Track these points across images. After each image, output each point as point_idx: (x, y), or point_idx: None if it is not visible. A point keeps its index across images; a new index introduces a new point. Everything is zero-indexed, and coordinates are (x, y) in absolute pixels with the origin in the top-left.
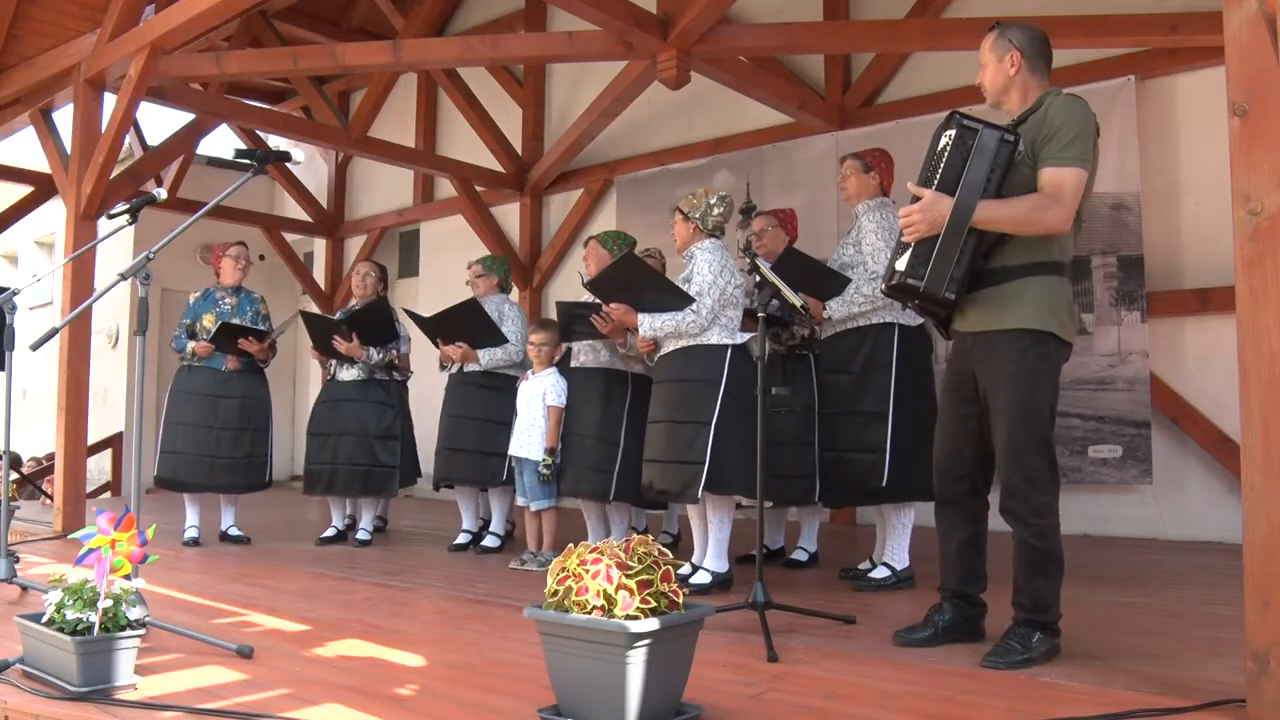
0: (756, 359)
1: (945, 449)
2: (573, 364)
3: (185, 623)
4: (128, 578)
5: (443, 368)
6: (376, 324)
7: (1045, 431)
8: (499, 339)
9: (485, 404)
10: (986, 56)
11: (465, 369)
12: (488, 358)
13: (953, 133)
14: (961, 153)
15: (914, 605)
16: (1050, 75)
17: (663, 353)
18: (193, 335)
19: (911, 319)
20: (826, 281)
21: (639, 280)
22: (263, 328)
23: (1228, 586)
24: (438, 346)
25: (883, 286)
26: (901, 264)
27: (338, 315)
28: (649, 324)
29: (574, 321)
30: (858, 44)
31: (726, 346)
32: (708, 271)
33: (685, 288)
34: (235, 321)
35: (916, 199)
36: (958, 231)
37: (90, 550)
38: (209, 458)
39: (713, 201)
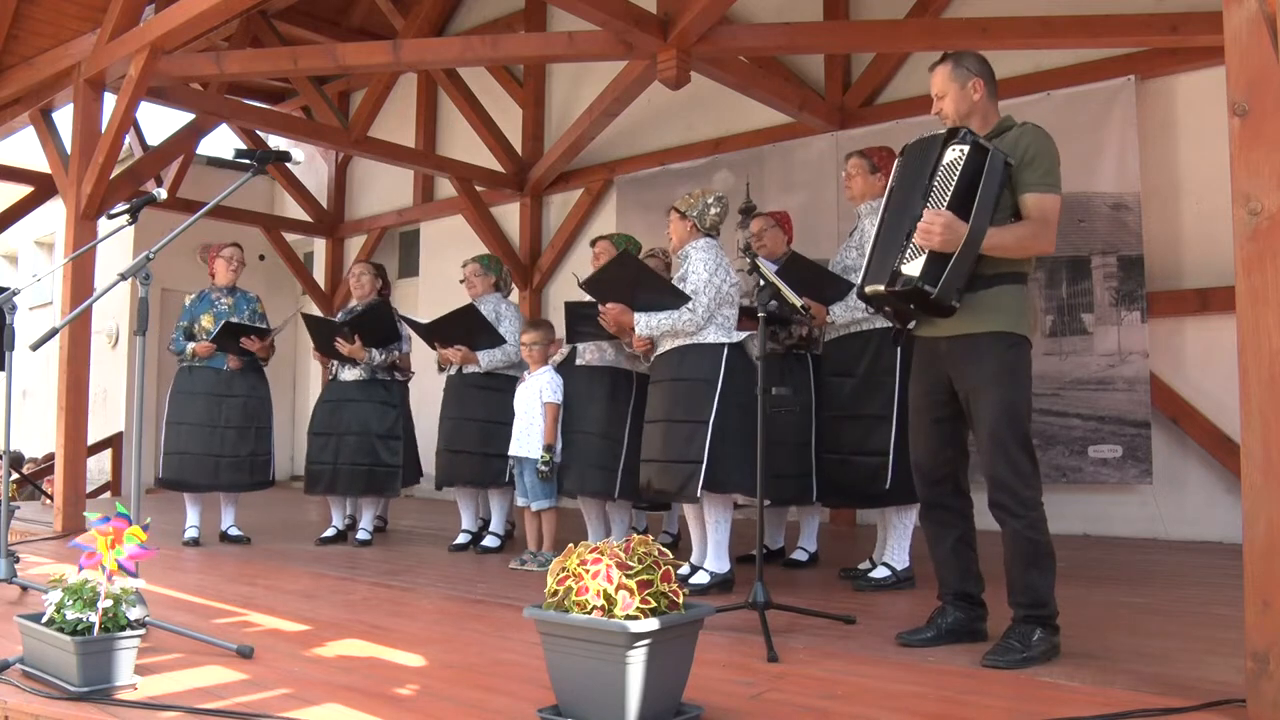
0: (756, 359)
1: (925, 452)
2: (578, 362)
3: (185, 623)
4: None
5: (441, 370)
6: (378, 325)
7: (1026, 428)
8: (497, 340)
9: (486, 405)
10: (946, 86)
11: (464, 370)
12: (487, 359)
13: (965, 149)
14: (974, 171)
15: (914, 605)
16: (1051, 70)
17: (659, 352)
18: (190, 337)
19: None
20: (830, 285)
21: (635, 280)
22: (263, 326)
23: (1228, 586)
24: (435, 349)
25: (879, 288)
26: (914, 269)
27: (339, 316)
28: (645, 323)
29: (579, 321)
30: (857, 44)
31: (723, 345)
32: (702, 270)
33: (681, 287)
34: (235, 320)
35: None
36: (972, 250)
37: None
38: (214, 457)
39: (710, 201)
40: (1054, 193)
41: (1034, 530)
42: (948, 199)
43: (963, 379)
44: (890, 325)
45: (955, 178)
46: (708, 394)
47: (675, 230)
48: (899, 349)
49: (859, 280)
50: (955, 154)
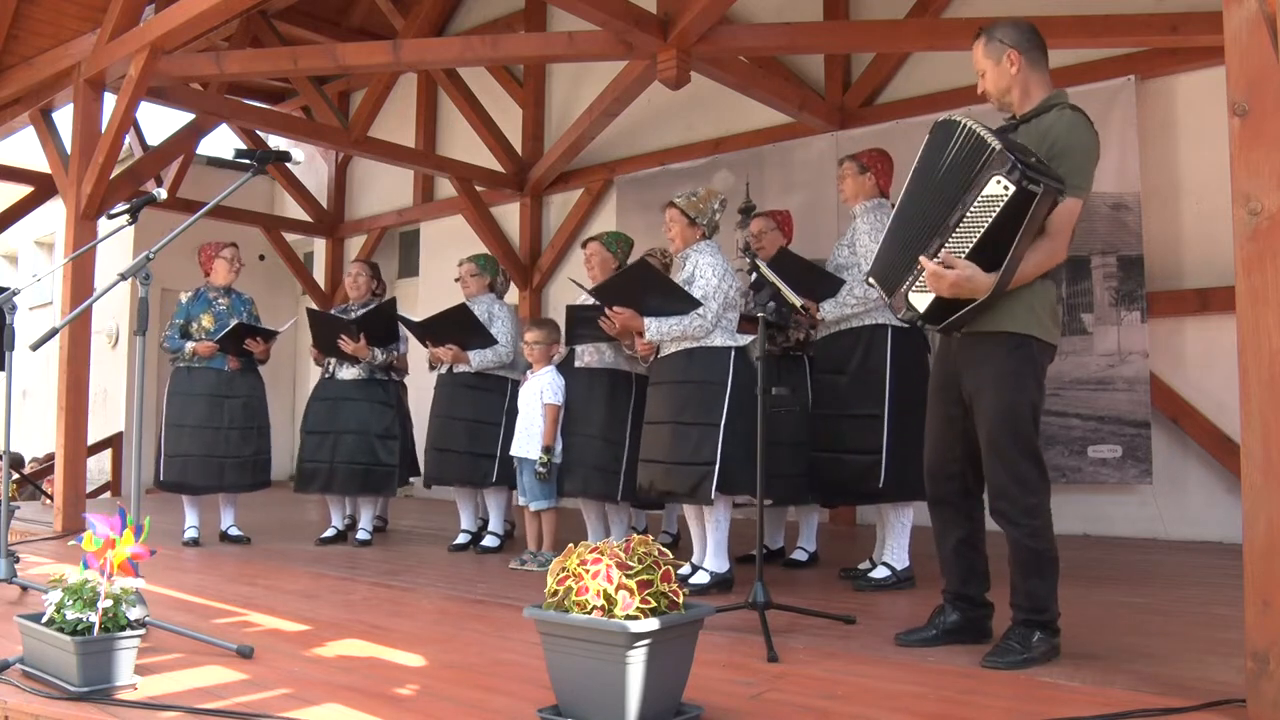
0: (756, 359)
1: (935, 449)
2: (577, 364)
3: (185, 623)
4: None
5: (432, 368)
6: (384, 325)
7: (1029, 433)
8: (489, 341)
9: (474, 405)
10: (983, 63)
11: (455, 369)
12: (478, 359)
13: (1011, 189)
14: (1016, 216)
15: (914, 605)
16: (1050, 70)
17: (663, 354)
18: (186, 335)
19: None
20: (820, 282)
21: (649, 286)
22: (267, 327)
23: (1228, 586)
24: (427, 348)
25: (886, 299)
26: (920, 303)
27: (333, 311)
28: (656, 328)
29: (579, 324)
30: (857, 44)
31: (729, 349)
32: (712, 276)
33: (687, 289)
34: (240, 320)
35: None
36: (991, 301)
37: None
38: (218, 458)
39: (715, 206)
40: (1078, 196)
41: (1035, 539)
42: (975, 241)
43: (967, 379)
44: (877, 323)
45: (990, 219)
46: (718, 397)
47: (680, 231)
48: (889, 347)
49: (866, 267)
50: (998, 189)
